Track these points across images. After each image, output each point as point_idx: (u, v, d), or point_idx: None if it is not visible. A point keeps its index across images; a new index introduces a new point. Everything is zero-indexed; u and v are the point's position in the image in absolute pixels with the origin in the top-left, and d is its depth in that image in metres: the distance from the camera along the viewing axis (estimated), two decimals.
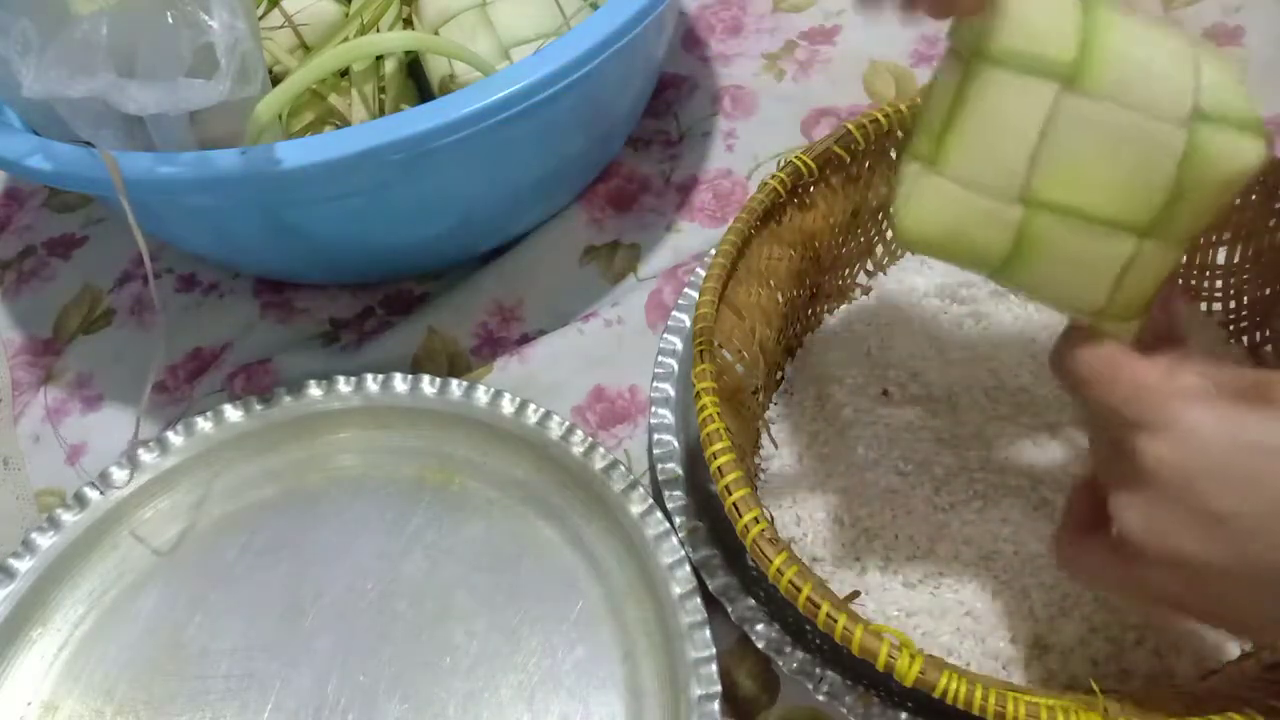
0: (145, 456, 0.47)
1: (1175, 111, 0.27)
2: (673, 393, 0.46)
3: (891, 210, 0.31)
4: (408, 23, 0.52)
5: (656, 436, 0.44)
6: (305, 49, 0.51)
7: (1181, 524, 0.26)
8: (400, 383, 0.48)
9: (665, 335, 0.48)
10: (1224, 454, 0.26)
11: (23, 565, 0.44)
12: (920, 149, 0.30)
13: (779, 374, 0.46)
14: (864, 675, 0.37)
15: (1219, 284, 0.46)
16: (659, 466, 0.43)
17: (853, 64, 0.62)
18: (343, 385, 0.48)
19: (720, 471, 0.34)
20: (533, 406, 0.46)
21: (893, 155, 0.46)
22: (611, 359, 0.50)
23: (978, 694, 0.29)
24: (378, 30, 0.50)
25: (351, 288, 0.55)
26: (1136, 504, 0.27)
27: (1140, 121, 0.27)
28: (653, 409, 0.46)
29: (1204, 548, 0.26)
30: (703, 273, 0.47)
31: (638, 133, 0.60)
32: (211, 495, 0.47)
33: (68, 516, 0.45)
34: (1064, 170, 0.28)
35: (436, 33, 0.50)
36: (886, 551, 0.40)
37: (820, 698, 0.36)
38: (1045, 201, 0.28)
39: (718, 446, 0.35)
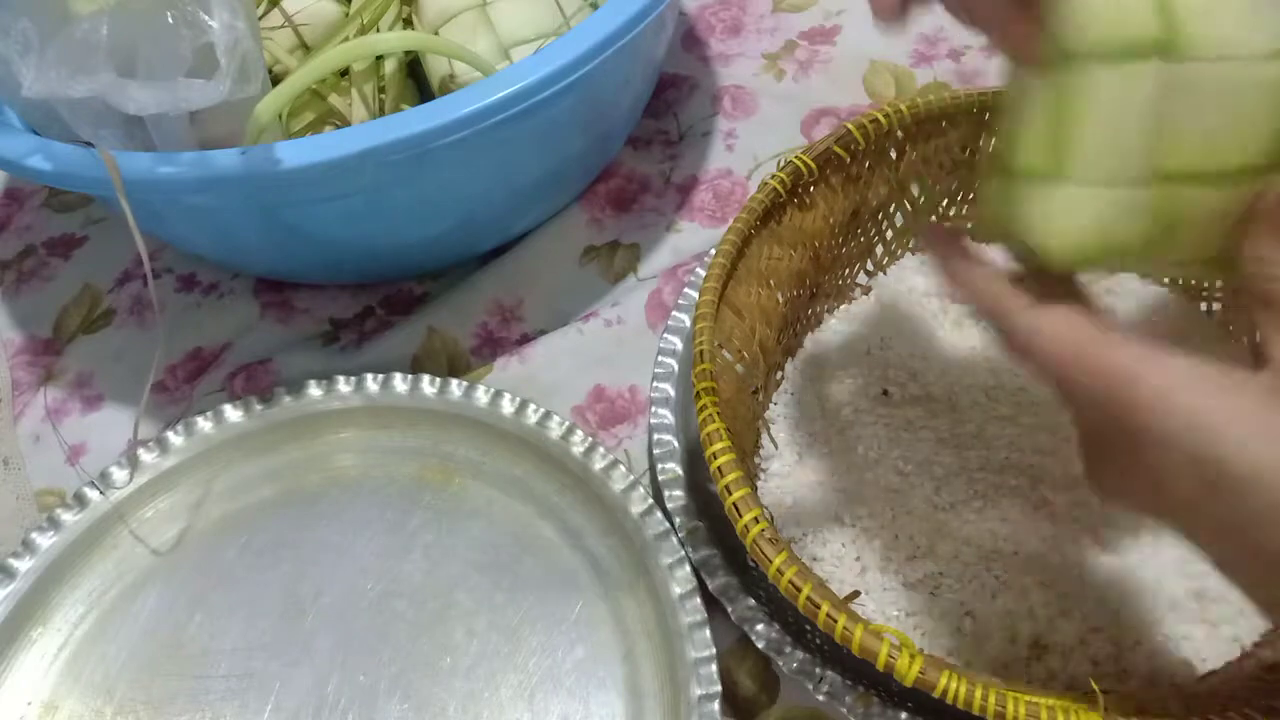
0: (145, 456, 0.47)
1: (1262, 49, 0.27)
2: (673, 393, 0.46)
3: (1022, 235, 0.29)
4: (408, 23, 0.52)
5: (656, 436, 0.44)
6: (305, 49, 0.51)
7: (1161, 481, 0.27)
8: (400, 383, 0.48)
9: (665, 335, 0.48)
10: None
11: (23, 565, 0.44)
12: (1030, 165, 0.29)
13: (779, 374, 0.46)
14: (864, 675, 0.37)
15: (1219, 284, 0.46)
16: (659, 466, 0.43)
17: (853, 64, 0.62)
18: (343, 385, 0.48)
19: (720, 471, 0.34)
20: (533, 406, 0.46)
21: (893, 155, 0.46)
22: (611, 359, 0.50)
23: (978, 694, 0.29)
24: (378, 30, 0.50)
25: (351, 288, 0.55)
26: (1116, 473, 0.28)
27: (1236, 70, 0.27)
28: (653, 409, 0.46)
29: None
30: (703, 273, 0.47)
31: (638, 133, 0.60)
32: (211, 495, 0.47)
33: (68, 516, 0.45)
34: (1183, 138, 0.28)
35: (436, 33, 0.50)
36: (886, 551, 0.40)
37: (820, 698, 0.36)
38: (1174, 173, 0.28)
39: (718, 446, 0.35)
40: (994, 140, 0.31)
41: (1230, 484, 0.24)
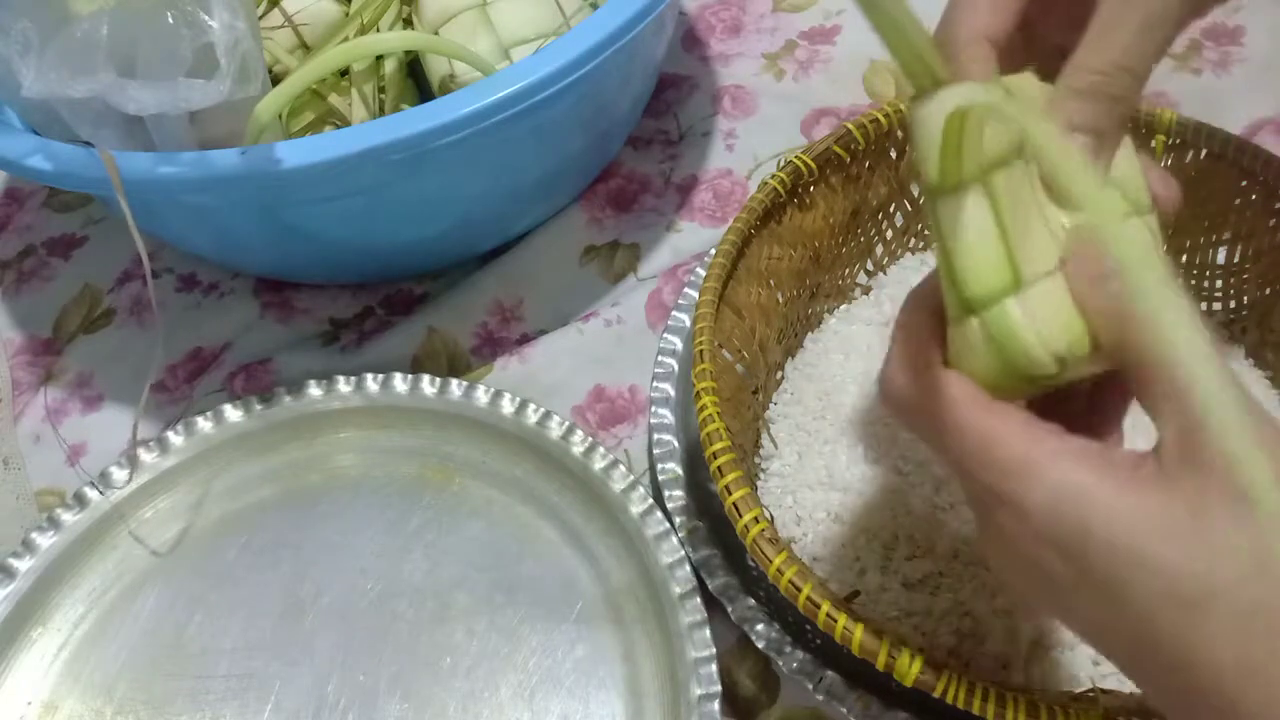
0: (145, 456, 0.47)
1: None
2: (673, 393, 0.46)
3: (1022, 358, 0.26)
4: (408, 23, 0.52)
5: (656, 436, 0.44)
6: (305, 49, 0.51)
7: (1023, 575, 0.25)
8: (400, 383, 0.48)
9: (665, 335, 0.48)
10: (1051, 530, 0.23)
11: (23, 565, 0.44)
12: (989, 289, 0.26)
13: (779, 374, 0.46)
14: (864, 675, 0.37)
15: (1219, 284, 0.46)
16: (659, 466, 0.43)
17: (853, 64, 0.62)
18: (343, 385, 0.48)
19: (720, 471, 0.34)
20: (533, 406, 0.46)
21: (893, 155, 0.46)
22: (611, 359, 0.50)
23: (977, 694, 0.29)
24: (378, 30, 0.50)
25: (351, 288, 0.55)
26: (986, 541, 0.26)
27: None
28: (653, 409, 0.46)
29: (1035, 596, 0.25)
30: (703, 273, 0.47)
31: (638, 133, 0.60)
32: (211, 495, 0.47)
33: (68, 516, 0.45)
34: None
35: (436, 33, 0.50)
36: (886, 551, 0.40)
37: (820, 698, 0.36)
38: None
39: (718, 446, 0.35)
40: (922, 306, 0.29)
41: (1097, 560, 0.22)
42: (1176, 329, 0.18)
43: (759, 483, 0.43)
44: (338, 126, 0.49)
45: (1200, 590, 0.21)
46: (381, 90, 0.50)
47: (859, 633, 0.30)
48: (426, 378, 0.48)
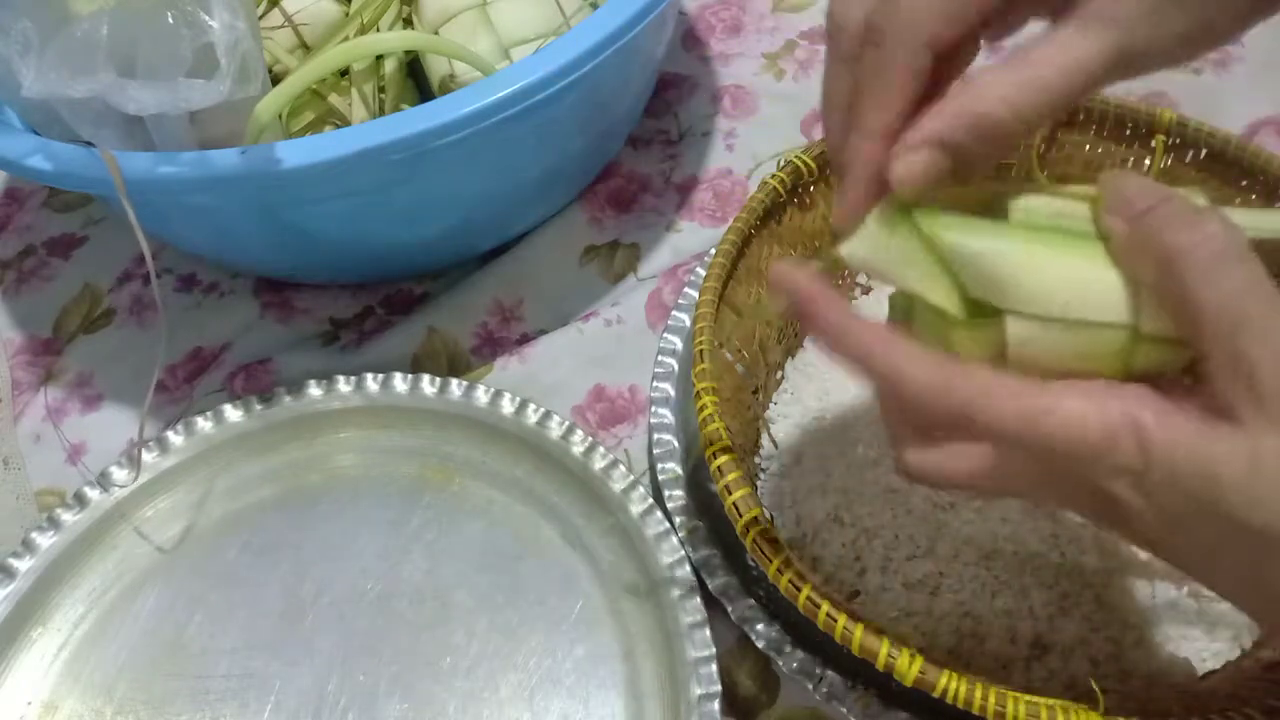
0: (145, 456, 0.47)
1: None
2: (673, 393, 0.46)
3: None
4: (408, 23, 0.52)
5: (656, 436, 0.44)
6: (305, 49, 0.51)
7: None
8: (400, 383, 0.48)
9: (665, 335, 0.48)
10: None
11: (23, 565, 0.44)
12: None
13: (779, 374, 0.46)
14: (864, 675, 0.37)
15: None
16: (659, 466, 0.43)
17: None
18: (343, 385, 0.48)
19: (720, 471, 0.34)
20: (533, 406, 0.46)
21: None
22: (611, 359, 0.50)
23: (978, 694, 0.29)
24: (378, 30, 0.50)
25: (351, 288, 0.55)
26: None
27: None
28: (653, 409, 0.46)
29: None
30: (703, 272, 0.47)
31: (638, 133, 0.60)
32: (212, 495, 0.47)
33: (68, 516, 0.45)
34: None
35: (436, 33, 0.50)
36: (886, 551, 0.40)
37: (820, 698, 0.36)
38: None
39: (718, 446, 0.35)
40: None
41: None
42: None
43: (759, 483, 0.43)
44: (338, 126, 0.49)
45: None
46: (381, 90, 0.50)
47: (859, 633, 0.30)
48: (426, 378, 0.48)
